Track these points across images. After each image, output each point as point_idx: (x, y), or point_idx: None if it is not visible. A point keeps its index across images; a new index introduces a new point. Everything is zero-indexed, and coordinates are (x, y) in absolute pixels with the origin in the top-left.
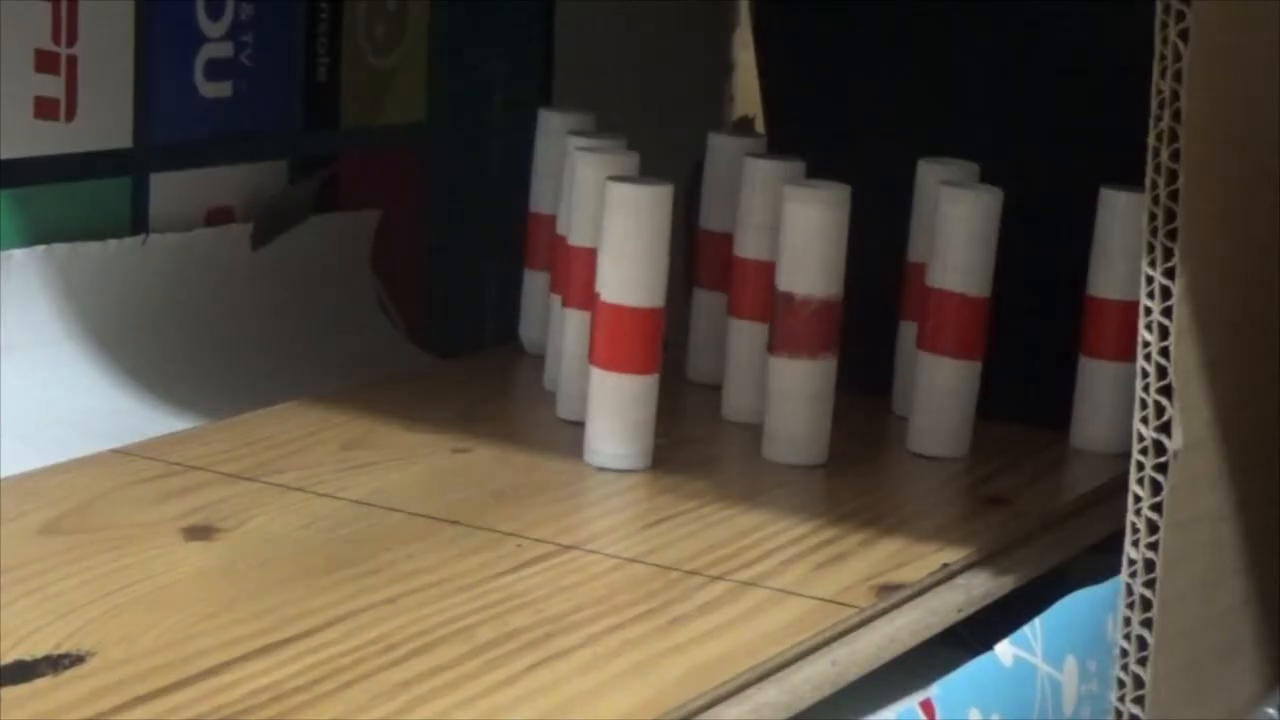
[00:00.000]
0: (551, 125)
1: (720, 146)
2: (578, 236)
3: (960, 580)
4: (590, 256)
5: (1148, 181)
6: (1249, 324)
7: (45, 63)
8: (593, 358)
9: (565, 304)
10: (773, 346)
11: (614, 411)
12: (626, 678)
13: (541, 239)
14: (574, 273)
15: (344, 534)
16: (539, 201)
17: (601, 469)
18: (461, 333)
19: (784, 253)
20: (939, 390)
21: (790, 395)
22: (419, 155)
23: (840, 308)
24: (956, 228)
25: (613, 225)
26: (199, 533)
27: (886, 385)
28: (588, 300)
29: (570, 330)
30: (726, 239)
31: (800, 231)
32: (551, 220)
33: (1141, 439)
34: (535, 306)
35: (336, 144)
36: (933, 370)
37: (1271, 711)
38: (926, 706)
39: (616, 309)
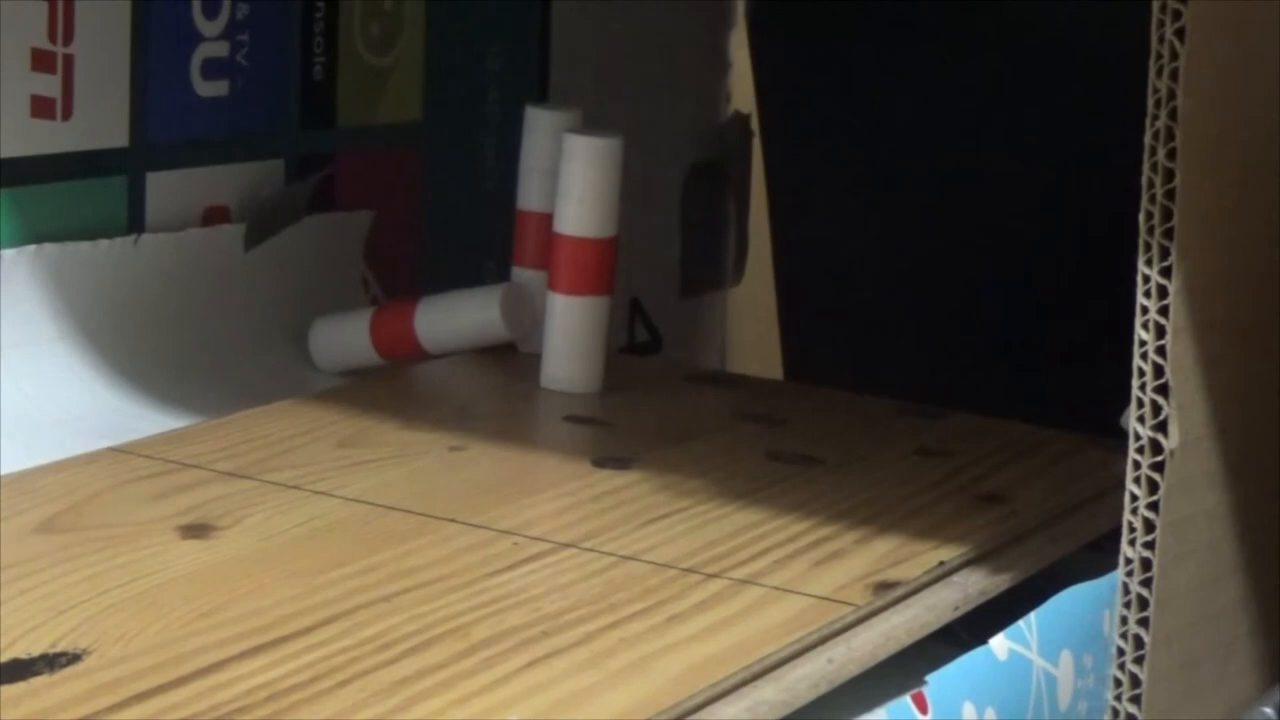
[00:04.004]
0: (540, 123)
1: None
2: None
3: (957, 578)
4: (576, 243)
5: (1144, 180)
6: (1246, 323)
7: (41, 61)
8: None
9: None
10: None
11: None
12: (623, 676)
13: (530, 237)
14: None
15: (340, 532)
16: (527, 200)
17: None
18: None
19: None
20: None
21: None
22: (415, 154)
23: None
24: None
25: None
26: (195, 531)
27: (869, 380)
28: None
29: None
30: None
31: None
32: (540, 218)
33: (1138, 438)
34: None
35: (333, 143)
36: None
37: (1269, 711)
38: (919, 699)
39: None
